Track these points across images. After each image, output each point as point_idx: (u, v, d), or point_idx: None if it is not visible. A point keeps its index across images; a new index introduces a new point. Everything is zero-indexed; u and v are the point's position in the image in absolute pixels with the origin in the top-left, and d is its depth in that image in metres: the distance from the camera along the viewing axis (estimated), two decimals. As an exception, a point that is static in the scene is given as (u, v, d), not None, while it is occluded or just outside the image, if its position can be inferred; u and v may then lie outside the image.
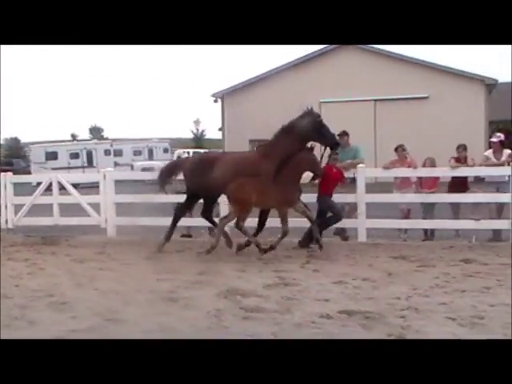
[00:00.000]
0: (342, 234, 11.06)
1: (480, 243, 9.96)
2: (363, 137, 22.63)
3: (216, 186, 9.41)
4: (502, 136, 11.02)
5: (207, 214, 10.08)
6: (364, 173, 10.61)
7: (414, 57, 28.90)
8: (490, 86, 28.58)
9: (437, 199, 10.78)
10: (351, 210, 10.87)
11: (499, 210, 10.50)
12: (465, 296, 6.42)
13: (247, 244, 9.27)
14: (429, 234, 10.89)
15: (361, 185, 10.47)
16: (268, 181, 8.93)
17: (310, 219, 9.37)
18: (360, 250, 9.56)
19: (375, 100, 28.52)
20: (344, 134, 11.35)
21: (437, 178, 10.98)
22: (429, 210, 10.94)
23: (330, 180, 9.77)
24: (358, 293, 6.67)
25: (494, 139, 10.96)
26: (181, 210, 10.17)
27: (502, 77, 31.08)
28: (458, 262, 8.39)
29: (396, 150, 11.27)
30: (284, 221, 9.02)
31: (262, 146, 9.80)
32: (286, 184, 8.96)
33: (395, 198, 11.04)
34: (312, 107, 9.61)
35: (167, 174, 10.39)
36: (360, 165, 10.63)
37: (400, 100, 27.91)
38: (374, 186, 11.57)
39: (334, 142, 9.53)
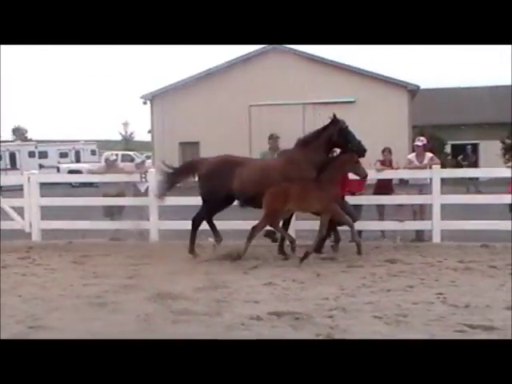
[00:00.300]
0: (272, 236, 11.14)
1: (404, 243, 10.27)
2: (293, 140, 22.92)
3: (235, 193, 9.19)
4: (424, 140, 11.43)
5: (209, 217, 9.62)
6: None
7: (341, 62, 29.58)
8: (412, 91, 29.61)
9: (363, 201, 11.02)
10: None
11: (422, 211, 10.88)
12: (390, 295, 6.59)
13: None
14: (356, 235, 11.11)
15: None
16: (309, 186, 8.77)
17: (348, 224, 9.14)
18: (289, 251, 9.66)
19: (304, 103, 28.96)
20: (274, 137, 11.46)
21: (363, 180, 11.22)
22: (357, 212, 11.16)
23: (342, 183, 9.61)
24: (288, 294, 6.74)
25: (417, 143, 11.34)
26: (201, 221, 9.59)
27: (424, 83, 32.16)
28: (384, 262, 8.62)
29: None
30: (323, 225, 8.90)
31: (286, 154, 9.52)
32: (329, 186, 8.79)
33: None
34: (335, 115, 9.35)
35: (177, 176, 9.84)
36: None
37: (328, 104, 28.39)
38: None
39: (361, 149, 9.31)
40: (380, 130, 26.41)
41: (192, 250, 9.36)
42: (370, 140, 23.15)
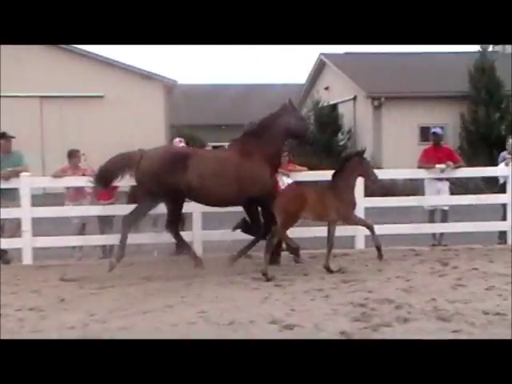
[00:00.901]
0: (4, 256, 10.55)
1: (162, 258, 10.41)
2: (28, 140, 21.98)
3: (190, 190, 8.90)
4: (183, 141, 11.63)
5: (173, 225, 9.28)
6: (29, 183, 10.33)
7: (88, 51, 29.00)
8: (168, 87, 30.26)
9: (116, 211, 10.79)
10: (15, 227, 10.42)
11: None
12: (147, 317, 6.63)
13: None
14: (107, 251, 10.97)
15: (25, 197, 10.14)
16: (326, 192, 9.04)
17: (369, 228, 9.25)
18: (25, 273, 9.31)
19: (41, 96, 27.86)
20: (6, 136, 10.81)
21: (115, 188, 11.00)
22: (107, 224, 11.03)
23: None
24: (23, 326, 6.40)
25: (178, 144, 11.40)
26: (131, 222, 9.23)
27: (182, 78, 33.16)
28: (140, 280, 8.66)
29: (69, 155, 11.13)
30: (331, 234, 9.05)
31: (238, 144, 9.51)
32: (345, 193, 8.99)
33: (67, 211, 10.89)
34: (290, 101, 9.63)
35: (111, 172, 9.22)
36: (24, 173, 10.27)
37: (71, 98, 27.75)
38: (43, 198, 11.33)
39: (310, 141, 9.97)
40: (133, 127, 26.58)
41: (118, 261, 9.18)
42: (123, 138, 23.25)
